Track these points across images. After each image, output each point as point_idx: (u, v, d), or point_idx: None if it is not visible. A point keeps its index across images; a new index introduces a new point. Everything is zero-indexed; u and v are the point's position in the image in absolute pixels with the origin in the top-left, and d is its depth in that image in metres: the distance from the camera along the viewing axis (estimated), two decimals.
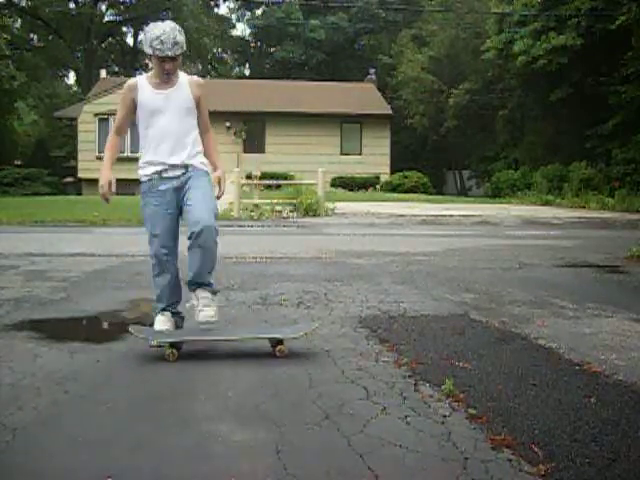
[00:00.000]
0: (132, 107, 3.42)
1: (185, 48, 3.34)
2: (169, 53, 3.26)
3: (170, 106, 3.38)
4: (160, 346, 3.15)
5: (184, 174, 3.39)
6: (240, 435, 2.21)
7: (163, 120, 3.38)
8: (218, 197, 3.51)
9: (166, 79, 3.37)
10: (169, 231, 3.44)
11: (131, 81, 3.47)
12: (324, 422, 2.33)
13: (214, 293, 3.40)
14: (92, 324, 4.05)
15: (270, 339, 3.28)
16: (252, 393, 2.65)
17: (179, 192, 3.39)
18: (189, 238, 3.28)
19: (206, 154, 3.56)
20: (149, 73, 3.47)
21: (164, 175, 3.39)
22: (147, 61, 3.43)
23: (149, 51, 3.29)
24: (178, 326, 3.52)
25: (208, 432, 2.24)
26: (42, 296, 4.69)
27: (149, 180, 3.43)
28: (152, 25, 3.33)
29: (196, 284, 3.36)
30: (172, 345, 3.14)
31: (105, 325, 4.10)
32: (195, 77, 3.56)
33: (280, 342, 3.21)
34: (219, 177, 3.55)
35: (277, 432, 2.23)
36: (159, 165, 3.38)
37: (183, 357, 3.17)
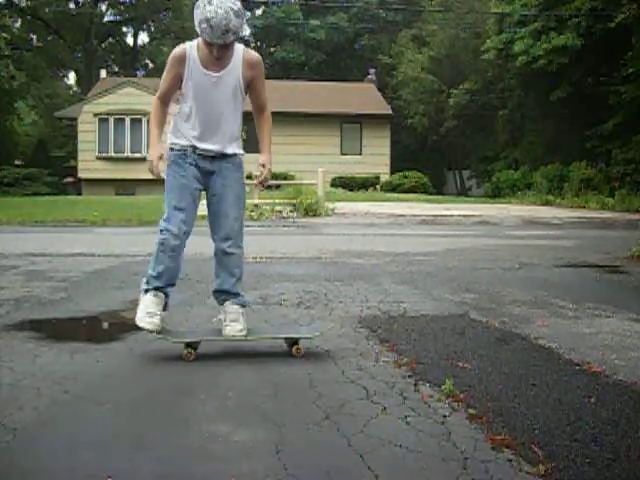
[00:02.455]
0: (178, 80, 3.10)
1: (241, 33, 2.97)
2: (218, 41, 2.89)
3: (218, 90, 3.10)
4: (180, 342, 3.13)
5: (219, 160, 3.18)
6: (240, 435, 2.21)
7: (207, 104, 3.11)
8: (262, 184, 3.28)
9: (215, 63, 3.04)
10: (193, 208, 3.20)
11: (179, 51, 3.08)
12: (324, 422, 2.33)
13: (243, 306, 3.28)
14: (92, 324, 4.05)
15: (286, 339, 3.27)
16: (252, 393, 2.65)
17: (209, 176, 3.19)
18: (214, 241, 3.23)
19: (258, 134, 3.33)
20: (200, 40, 3.05)
21: (198, 152, 3.16)
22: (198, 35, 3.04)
23: (197, 30, 2.91)
24: (165, 309, 3.28)
25: (208, 432, 2.24)
26: (42, 296, 4.69)
27: (180, 150, 3.18)
28: (204, 2, 2.87)
29: (223, 293, 3.26)
30: (189, 345, 3.12)
31: (105, 325, 4.10)
32: (251, 53, 3.19)
33: (296, 342, 3.21)
34: (264, 164, 3.25)
35: (277, 432, 2.23)
36: (194, 142, 3.15)
37: (183, 357, 3.17)
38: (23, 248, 7.67)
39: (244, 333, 3.21)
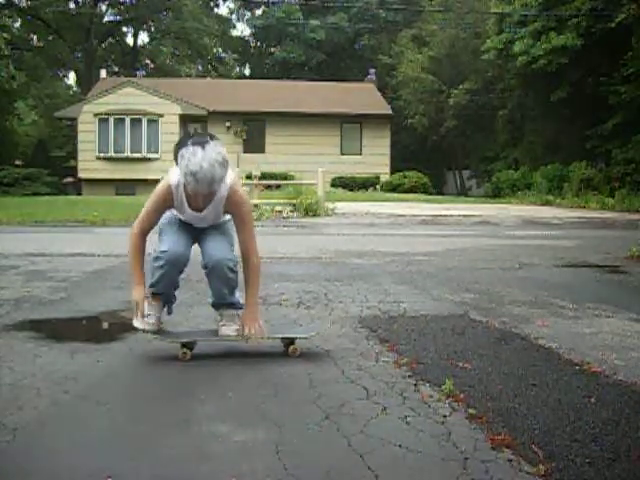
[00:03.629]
0: (165, 209, 3.16)
1: (227, 179, 2.97)
2: (204, 192, 2.90)
3: (203, 220, 3.18)
4: (173, 342, 3.18)
5: None
6: (240, 435, 2.21)
7: (193, 222, 3.21)
8: (246, 339, 3.18)
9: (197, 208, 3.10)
10: (187, 239, 3.20)
11: (166, 192, 3.06)
12: (324, 422, 2.33)
13: (237, 309, 3.30)
14: (92, 324, 4.05)
15: (283, 339, 3.29)
16: (252, 393, 2.65)
17: (198, 228, 3.26)
18: (204, 268, 3.23)
19: (245, 279, 3.18)
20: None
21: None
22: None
23: (182, 179, 2.92)
24: (169, 313, 3.37)
25: (208, 432, 2.24)
26: (42, 296, 4.69)
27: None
28: (190, 151, 2.82)
29: (220, 304, 3.31)
30: (184, 345, 3.14)
31: (105, 325, 4.10)
32: (237, 195, 3.09)
33: (292, 342, 3.22)
34: (246, 320, 3.16)
35: (277, 432, 2.23)
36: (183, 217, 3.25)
37: (179, 357, 3.17)
38: (23, 248, 7.67)
39: (237, 334, 3.23)
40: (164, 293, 3.26)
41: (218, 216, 3.19)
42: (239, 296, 3.34)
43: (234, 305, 3.31)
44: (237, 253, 3.23)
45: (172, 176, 3.06)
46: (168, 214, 3.23)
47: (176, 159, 2.91)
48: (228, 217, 3.27)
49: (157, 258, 3.15)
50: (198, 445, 2.13)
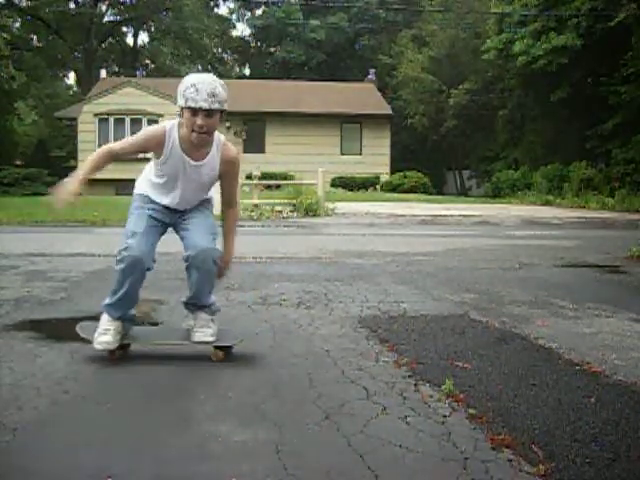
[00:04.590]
0: (142, 152, 3.04)
1: (226, 107, 2.87)
2: (204, 105, 2.78)
3: (194, 177, 3.04)
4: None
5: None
6: (240, 435, 2.21)
7: (181, 185, 3.06)
8: (218, 277, 3.20)
9: (197, 139, 2.89)
10: (153, 235, 3.10)
11: (159, 133, 2.97)
12: (324, 422, 2.33)
13: (213, 314, 3.23)
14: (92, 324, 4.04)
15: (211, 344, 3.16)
16: (252, 393, 2.65)
17: (176, 213, 3.17)
18: (185, 260, 3.10)
19: (224, 229, 3.25)
20: (181, 123, 2.95)
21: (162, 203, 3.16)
22: (180, 113, 2.91)
23: (181, 102, 2.83)
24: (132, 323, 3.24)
25: (208, 432, 2.24)
26: (42, 296, 4.69)
27: (143, 194, 3.17)
28: (190, 75, 2.91)
29: (194, 305, 3.20)
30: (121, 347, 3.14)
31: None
32: (229, 149, 3.08)
33: (219, 348, 3.13)
34: (226, 261, 3.21)
35: (277, 432, 2.23)
36: (164, 204, 3.15)
37: (183, 357, 3.17)
38: (23, 248, 7.67)
39: (212, 339, 3.15)
40: (122, 315, 3.11)
41: (214, 176, 3.08)
42: (214, 298, 3.28)
43: (210, 308, 3.22)
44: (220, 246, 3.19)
45: (167, 122, 3.02)
46: (138, 211, 3.11)
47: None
48: (210, 194, 3.22)
49: (119, 260, 3.01)
50: (198, 445, 2.13)
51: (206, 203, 3.25)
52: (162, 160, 3.01)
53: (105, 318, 3.12)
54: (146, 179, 3.20)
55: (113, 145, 3.12)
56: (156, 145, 2.97)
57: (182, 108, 2.86)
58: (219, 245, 3.19)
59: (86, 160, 3.07)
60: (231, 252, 3.27)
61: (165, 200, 3.14)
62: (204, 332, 3.16)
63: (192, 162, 3.00)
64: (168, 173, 3.04)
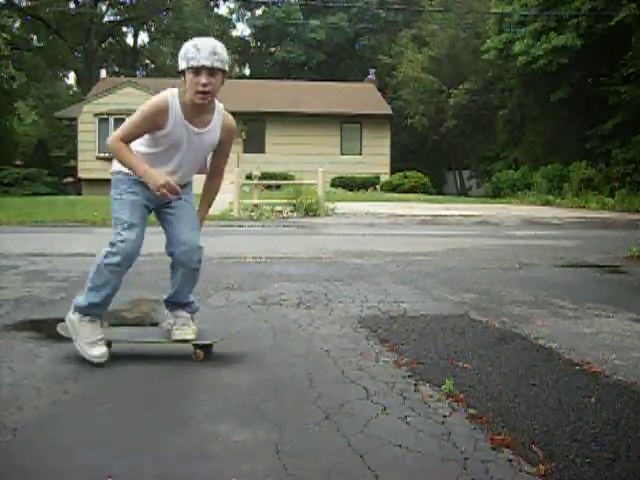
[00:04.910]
0: (151, 129, 2.93)
1: (227, 69, 2.88)
2: (206, 62, 2.77)
3: (196, 145, 2.98)
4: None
5: None
6: (240, 435, 2.21)
7: (180, 156, 2.99)
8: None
9: (200, 99, 2.84)
10: (144, 226, 3.01)
11: (161, 101, 2.89)
12: (324, 422, 2.33)
13: (193, 312, 3.23)
14: None
15: (189, 342, 3.13)
16: (252, 393, 2.65)
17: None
18: (170, 255, 3.09)
19: (205, 190, 3.26)
20: (182, 91, 2.92)
21: None
22: (182, 79, 2.88)
23: (183, 64, 2.82)
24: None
25: (208, 432, 2.24)
26: (42, 296, 4.69)
27: (128, 174, 2.99)
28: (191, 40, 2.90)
29: (175, 303, 3.19)
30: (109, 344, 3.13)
31: (105, 325, 4.09)
32: (229, 118, 3.07)
33: (198, 346, 3.11)
34: (201, 218, 3.23)
35: (277, 432, 2.23)
36: None
37: (183, 357, 3.17)
38: (23, 248, 7.67)
39: (192, 337, 3.13)
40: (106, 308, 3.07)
41: (214, 145, 3.06)
42: (193, 298, 3.27)
43: (190, 306, 3.22)
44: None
45: (168, 91, 2.95)
46: (131, 197, 2.99)
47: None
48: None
49: (113, 253, 2.92)
50: (198, 445, 2.13)
51: (189, 189, 3.19)
52: (166, 131, 2.91)
53: (89, 326, 3.01)
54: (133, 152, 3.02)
55: (116, 135, 2.96)
56: (160, 114, 2.88)
57: (184, 72, 2.84)
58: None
59: (124, 159, 2.92)
60: (205, 210, 3.29)
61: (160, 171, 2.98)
62: (184, 330, 3.15)
63: (196, 130, 2.95)
64: (170, 143, 2.95)
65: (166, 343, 3.22)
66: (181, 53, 2.85)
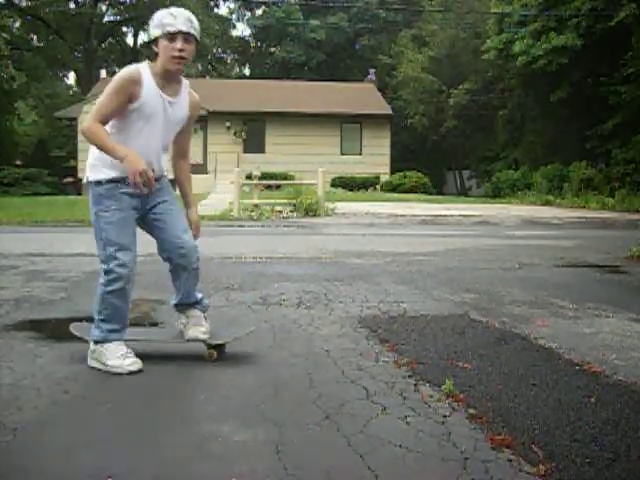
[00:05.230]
0: (125, 104, 2.83)
1: (199, 37, 2.91)
2: (182, 27, 2.80)
3: (169, 115, 2.95)
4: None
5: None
6: (240, 435, 2.21)
7: (151, 130, 2.91)
8: (195, 237, 3.13)
9: (176, 64, 2.84)
10: (134, 240, 2.98)
11: (133, 71, 2.85)
12: (324, 422, 2.33)
13: (205, 310, 3.21)
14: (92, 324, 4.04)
15: (204, 342, 3.13)
16: (252, 393, 2.65)
17: (145, 198, 2.96)
18: (168, 260, 3.05)
19: (180, 182, 3.20)
20: (152, 64, 2.93)
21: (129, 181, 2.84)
22: (155, 49, 2.88)
23: (157, 31, 2.82)
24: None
25: (208, 432, 2.24)
26: (42, 296, 4.69)
27: (112, 182, 2.89)
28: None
29: (185, 305, 3.16)
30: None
31: None
32: (193, 94, 3.10)
33: (212, 346, 3.10)
34: (197, 222, 3.20)
35: (277, 432, 2.23)
36: (122, 172, 2.85)
37: (183, 357, 3.17)
38: (23, 248, 7.67)
39: (207, 336, 3.11)
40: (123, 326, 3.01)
41: (184, 118, 3.03)
42: (201, 295, 3.25)
43: (201, 303, 3.19)
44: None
45: (136, 64, 2.94)
46: (118, 214, 2.91)
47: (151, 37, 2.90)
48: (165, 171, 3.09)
49: (112, 280, 2.88)
50: (198, 445, 2.13)
51: (168, 189, 3.10)
52: (140, 101, 2.84)
53: (113, 345, 2.94)
54: (101, 156, 2.90)
55: (92, 117, 2.82)
56: (133, 84, 2.83)
57: (156, 41, 2.86)
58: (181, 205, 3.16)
59: (102, 143, 2.81)
60: (196, 210, 3.24)
61: (131, 147, 2.86)
62: (197, 329, 3.13)
63: (169, 99, 2.93)
64: (145, 116, 2.88)
65: (179, 343, 3.20)
66: (154, 21, 2.87)
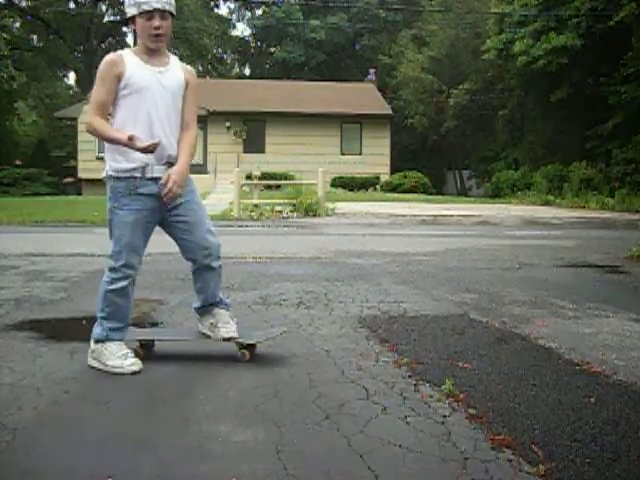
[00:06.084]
0: (115, 88, 2.84)
1: (174, 11, 2.91)
2: (157, 5, 2.81)
3: (162, 87, 2.90)
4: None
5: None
6: (240, 435, 2.21)
7: (152, 102, 2.87)
8: (166, 199, 2.89)
9: (155, 41, 2.86)
10: (145, 243, 2.99)
11: (112, 55, 2.91)
12: (324, 422, 2.33)
13: (229, 308, 3.22)
14: (92, 324, 4.04)
15: (237, 343, 3.13)
16: (252, 393, 2.65)
17: (161, 200, 2.90)
18: (193, 261, 3.04)
19: (181, 146, 3.00)
20: (134, 48, 3.00)
21: (148, 174, 2.87)
22: (133, 27, 2.93)
23: (133, 10, 2.84)
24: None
25: (208, 432, 2.24)
26: (42, 296, 4.69)
27: (128, 178, 2.87)
28: None
29: (211, 305, 3.15)
30: (142, 345, 3.14)
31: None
32: (186, 65, 3.12)
33: (244, 346, 3.11)
34: (169, 174, 2.88)
35: (277, 432, 2.23)
36: (139, 161, 2.85)
37: (183, 357, 3.17)
38: (23, 248, 7.67)
39: (237, 334, 3.11)
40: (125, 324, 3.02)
41: (181, 85, 2.97)
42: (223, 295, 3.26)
43: (224, 302, 3.19)
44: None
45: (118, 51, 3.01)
46: (133, 215, 2.87)
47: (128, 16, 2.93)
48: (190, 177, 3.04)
49: (117, 279, 2.91)
50: (198, 445, 2.13)
51: (191, 185, 3.03)
52: (128, 76, 2.86)
53: (114, 344, 2.94)
54: (113, 147, 2.90)
55: (91, 112, 2.88)
56: (116, 66, 2.87)
57: (133, 20, 2.89)
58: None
59: (104, 134, 2.86)
60: (181, 167, 2.93)
61: (138, 131, 2.82)
62: (228, 328, 3.11)
63: (157, 69, 2.93)
64: (137, 89, 2.87)
65: (208, 342, 3.19)
66: (130, 1, 2.89)
